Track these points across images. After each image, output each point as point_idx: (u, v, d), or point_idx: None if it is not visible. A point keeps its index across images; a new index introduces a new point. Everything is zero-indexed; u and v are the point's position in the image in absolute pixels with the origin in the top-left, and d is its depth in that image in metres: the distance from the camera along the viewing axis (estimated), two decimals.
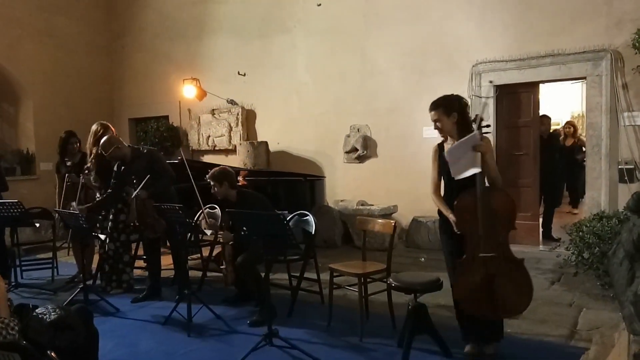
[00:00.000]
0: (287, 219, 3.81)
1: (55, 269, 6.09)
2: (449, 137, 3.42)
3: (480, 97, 6.88)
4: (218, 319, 4.40)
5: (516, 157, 6.92)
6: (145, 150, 5.18)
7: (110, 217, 5.34)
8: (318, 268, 4.75)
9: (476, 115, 3.34)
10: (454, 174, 3.25)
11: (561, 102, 10.93)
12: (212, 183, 4.54)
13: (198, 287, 5.27)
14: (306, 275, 4.70)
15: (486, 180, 3.26)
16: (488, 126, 3.33)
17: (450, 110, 3.34)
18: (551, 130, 8.65)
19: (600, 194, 6.26)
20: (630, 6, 5.97)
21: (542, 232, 7.17)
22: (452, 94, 3.46)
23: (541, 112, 7.14)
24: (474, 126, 3.27)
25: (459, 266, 3.28)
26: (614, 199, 6.12)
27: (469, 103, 6.77)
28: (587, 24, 6.22)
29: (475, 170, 3.17)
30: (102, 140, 5.04)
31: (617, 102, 6.08)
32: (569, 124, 8.44)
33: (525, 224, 6.92)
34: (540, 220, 7.21)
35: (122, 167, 5.10)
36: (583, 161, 8.53)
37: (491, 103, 6.87)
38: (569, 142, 8.55)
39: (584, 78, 6.45)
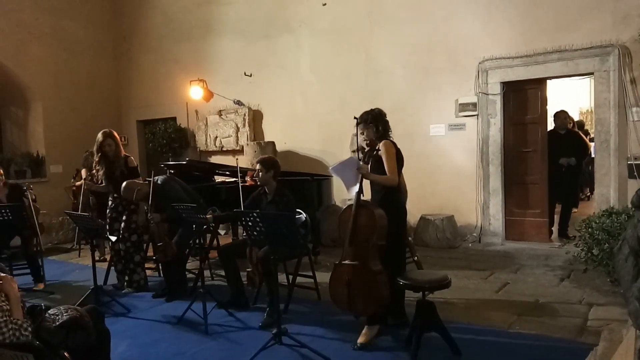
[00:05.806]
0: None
1: None
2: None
3: (487, 94, 6.86)
4: (230, 316, 4.45)
5: (524, 153, 6.89)
6: (159, 182, 5.07)
7: (123, 218, 5.40)
8: (313, 265, 4.98)
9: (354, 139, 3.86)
10: (348, 190, 3.84)
11: (569, 98, 10.86)
12: (259, 166, 4.66)
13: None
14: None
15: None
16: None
17: (368, 123, 3.96)
18: (569, 126, 7.75)
19: (609, 190, 6.23)
20: (637, 1, 5.93)
21: (558, 229, 7.05)
22: (373, 109, 4.01)
23: (549, 109, 7.07)
24: (350, 149, 3.70)
25: (333, 267, 3.85)
26: (624, 195, 6.07)
27: (476, 100, 6.92)
28: (594, 19, 6.19)
29: (356, 189, 3.74)
30: (123, 188, 5.00)
31: (626, 98, 6.05)
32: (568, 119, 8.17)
33: (533, 220, 6.90)
34: (557, 218, 7.07)
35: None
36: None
37: (498, 100, 6.86)
38: None
39: (592, 74, 6.40)
